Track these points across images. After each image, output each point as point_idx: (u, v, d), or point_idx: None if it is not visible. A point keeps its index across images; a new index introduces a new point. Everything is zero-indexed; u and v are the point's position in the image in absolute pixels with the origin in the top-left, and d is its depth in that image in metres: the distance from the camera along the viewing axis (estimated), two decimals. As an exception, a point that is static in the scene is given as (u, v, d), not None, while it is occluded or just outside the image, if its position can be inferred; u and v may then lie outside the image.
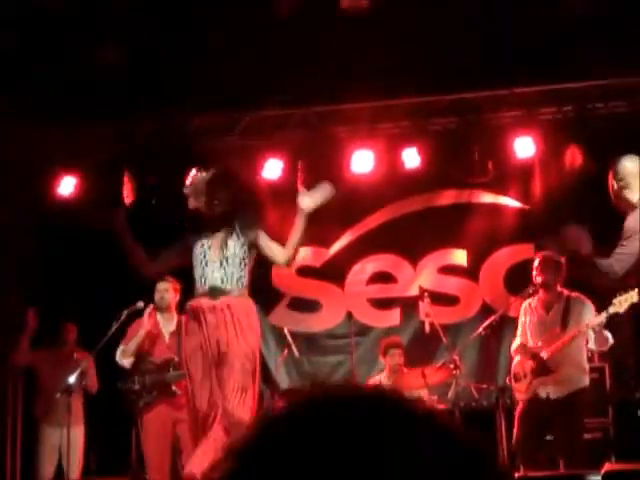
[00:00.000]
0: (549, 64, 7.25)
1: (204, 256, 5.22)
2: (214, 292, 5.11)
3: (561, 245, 5.26)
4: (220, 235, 5.27)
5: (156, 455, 6.56)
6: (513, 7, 6.72)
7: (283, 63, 7.11)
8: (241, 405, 4.96)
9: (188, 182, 5.47)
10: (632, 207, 5.03)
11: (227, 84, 7.39)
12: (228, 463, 0.83)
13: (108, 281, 8.05)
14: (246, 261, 5.22)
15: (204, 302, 5.10)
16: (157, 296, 6.75)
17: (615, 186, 5.10)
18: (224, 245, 5.23)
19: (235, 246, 5.20)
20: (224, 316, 5.04)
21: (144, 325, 6.60)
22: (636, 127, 7.49)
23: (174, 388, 6.54)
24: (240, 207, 5.32)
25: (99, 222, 7.43)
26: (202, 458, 4.84)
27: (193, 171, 5.49)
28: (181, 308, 6.40)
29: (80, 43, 6.84)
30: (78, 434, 7.42)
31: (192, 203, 5.36)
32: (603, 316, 5.97)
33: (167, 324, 6.76)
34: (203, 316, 5.08)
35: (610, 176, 5.13)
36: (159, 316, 6.76)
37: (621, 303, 5.71)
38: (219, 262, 5.17)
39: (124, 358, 6.65)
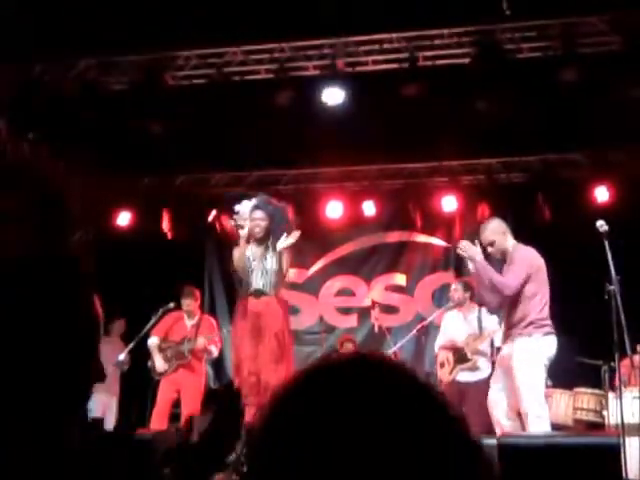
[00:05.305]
0: (468, 146, 8.22)
1: (250, 266, 5.79)
2: (257, 293, 5.76)
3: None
4: (261, 250, 5.82)
5: (159, 407, 7.18)
6: (445, 111, 7.28)
7: (280, 139, 7.84)
8: (274, 373, 5.43)
9: (236, 209, 5.92)
10: (504, 253, 5.43)
11: (239, 152, 8.28)
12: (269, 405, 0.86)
13: (142, 286, 8.90)
14: (278, 271, 5.73)
15: (251, 300, 5.75)
16: (184, 305, 7.52)
17: (486, 244, 5.43)
18: (264, 259, 5.77)
19: (271, 260, 5.77)
20: (264, 309, 5.69)
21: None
22: (529, 193, 8.72)
23: (186, 353, 7.28)
24: (274, 228, 5.84)
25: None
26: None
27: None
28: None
29: (134, 118, 7.46)
30: (116, 398, 8.55)
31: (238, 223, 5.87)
32: None
33: (189, 320, 7.55)
34: (250, 309, 5.73)
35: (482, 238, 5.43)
36: (185, 315, 7.61)
37: None
38: (260, 272, 5.74)
39: (153, 342, 7.42)
